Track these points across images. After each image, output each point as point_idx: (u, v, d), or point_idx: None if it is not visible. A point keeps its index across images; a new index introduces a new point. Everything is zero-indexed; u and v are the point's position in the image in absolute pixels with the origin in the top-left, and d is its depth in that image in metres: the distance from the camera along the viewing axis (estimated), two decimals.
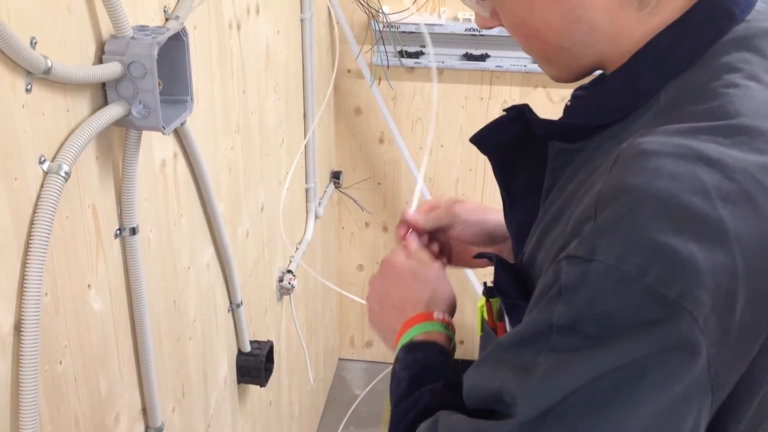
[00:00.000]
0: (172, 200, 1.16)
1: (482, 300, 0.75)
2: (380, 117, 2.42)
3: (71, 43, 0.85)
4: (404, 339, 0.78)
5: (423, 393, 0.69)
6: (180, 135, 1.17)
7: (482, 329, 0.76)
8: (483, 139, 0.72)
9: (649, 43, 0.57)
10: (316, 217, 2.24)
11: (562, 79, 0.66)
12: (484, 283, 0.74)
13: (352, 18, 2.31)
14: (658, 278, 0.46)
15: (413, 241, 0.89)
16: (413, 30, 2.24)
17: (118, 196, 0.98)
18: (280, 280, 1.91)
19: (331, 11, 2.24)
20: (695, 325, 0.46)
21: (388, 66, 2.33)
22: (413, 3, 2.23)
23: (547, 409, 0.49)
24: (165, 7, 1.09)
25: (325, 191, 2.42)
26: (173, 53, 1.00)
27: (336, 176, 2.54)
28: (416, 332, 0.78)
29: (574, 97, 0.69)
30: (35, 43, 0.77)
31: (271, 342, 1.65)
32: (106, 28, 0.91)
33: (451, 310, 0.82)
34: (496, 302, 0.72)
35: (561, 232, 0.56)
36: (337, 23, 2.28)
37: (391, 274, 0.85)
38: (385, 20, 2.20)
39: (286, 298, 1.99)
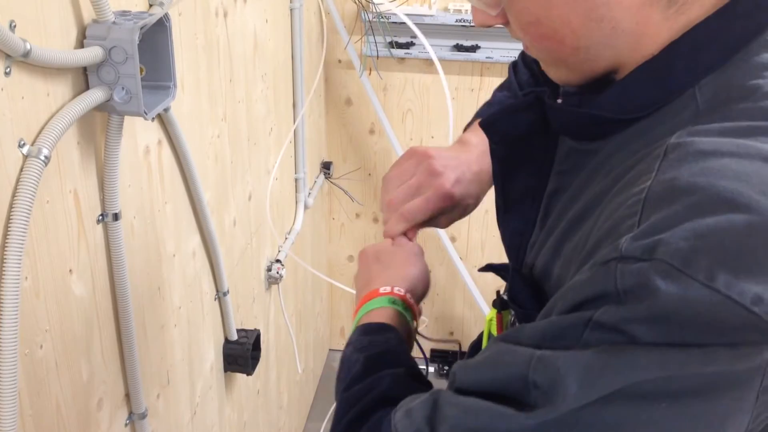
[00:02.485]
0: (156, 187, 1.16)
1: (492, 312, 0.70)
2: (371, 108, 2.42)
3: (52, 27, 0.85)
4: (353, 325, 0.73)
5: (382, 377, 0.63)
6: (165, 122, 1.17)
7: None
8: (494, 125, 0.68)
9: (685, 35, 0.53)
10: (306, 207, 2.24)
11: (570, 82, 0.60)
12: (497, 293, 0.69)
13: (343, 8, 2.30)
14: (728, 283, 0.42)
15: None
16: (404, 20, 2.24)
17: (101, 182, 0.98)
18: (269, 269, 1.92)
19: (321, 1, 2.24)
20: None
21: (377, 56, 2.32)
22: None
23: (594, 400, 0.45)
24: None
25: (315, 182, 2.42)
26: (157, 39, 1.00)
27: (326, 167, 2.54)
28: (362, 313, 0.73)
29: (566, 93, 0.64)
30: (14, 26, 0.77)
31: (258, 330, 1.65)
32: (88, 13, 0.91)
33: (413, 288, 0.76)
34: (506, 315, 0.68)
35: (585, 237, 0.53)
36: (327, 13, 2.27)
37: (360, 264, 0.84)
38: (375, 10, 2.20)
39: (274, 287, 1.99)
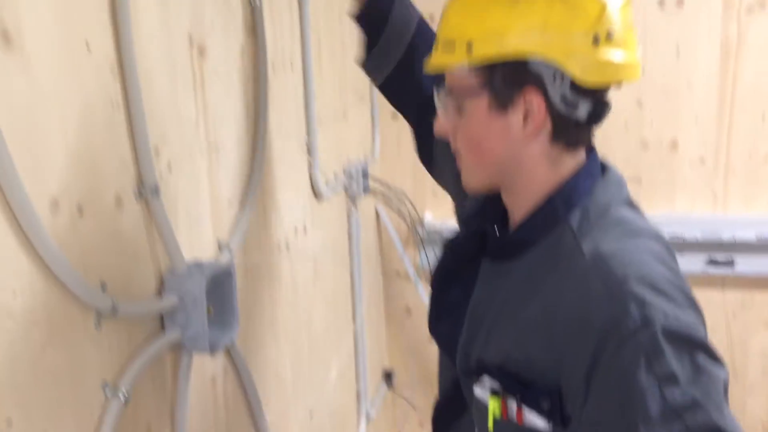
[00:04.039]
0: (221, 413, 1.25)
1: (493, 401, 0.87)
2: None
3: (136, 281, 0.99)
4: None
5: None
6: (230, 351, 1.28)
7: (495, 426, 0.88)
8: (455, 244, 0.96)
9: (559, 189, 0.85)
10: (368, 419, 2.27)
11: (473, 187, 0.91)
12: (491, 390, 0.88)
13: (398, 223, 2.48)
14: (684, 321, 0.76)
15: None
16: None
17: (172, 414, 1.08)
18: None
19: (379, 219, 2.42)
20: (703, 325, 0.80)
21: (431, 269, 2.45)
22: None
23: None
24: (218, 239, 1.25)
25: (377, 392, 2.47)
26: (224, 280, 1.14)
27: (388, 376, 2.59)
28: None
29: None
30: (105, 286, 0.91)
31: None
32: (166, 266, 1.06)
33: None
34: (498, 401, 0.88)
35: (533, 318, 0.83)
36: (384, 229, 2.45)
37: None
38: (426, 229, 2.36)
39: None
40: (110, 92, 0.92)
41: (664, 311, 0.75)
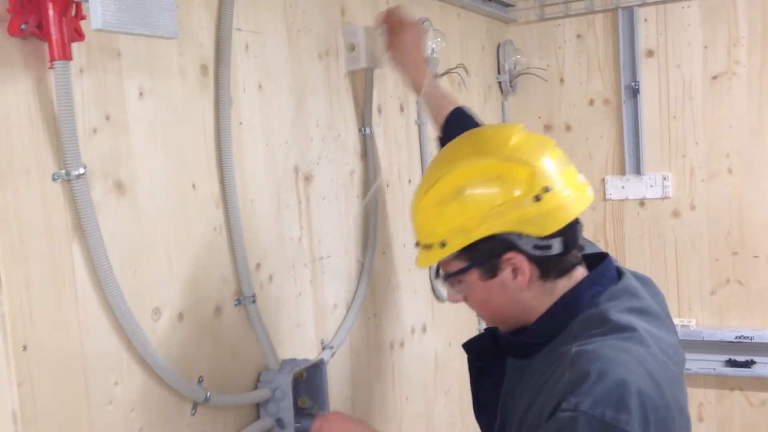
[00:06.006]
0: None
1: None
2: None
3: (234, 376, 1.18)
4: None
5: None
6: None
7: None
8: (470, 346, 1.10)
9: (562, 298, 0.96)
10: None
11: (502, 329, 1.03)
12: None
13: None
14: (611, 416, 0.81)
15: None
16: None
17: None
18: None
19: None
20: None
21: None
22: None
23: None
24: (322, 339, 1.42)
25: None
26: (316, 375, 1.30)
27: None
28: None
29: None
30: (202, 380, 1.11)
31: None
32: (264, 363, 1.24)
33: None
34: None
35: (536, 413, 0.89)
36: None
37: None
38: None
39: None
40: (213, 220, 1.15)
41: (596, 402, 0.81)
